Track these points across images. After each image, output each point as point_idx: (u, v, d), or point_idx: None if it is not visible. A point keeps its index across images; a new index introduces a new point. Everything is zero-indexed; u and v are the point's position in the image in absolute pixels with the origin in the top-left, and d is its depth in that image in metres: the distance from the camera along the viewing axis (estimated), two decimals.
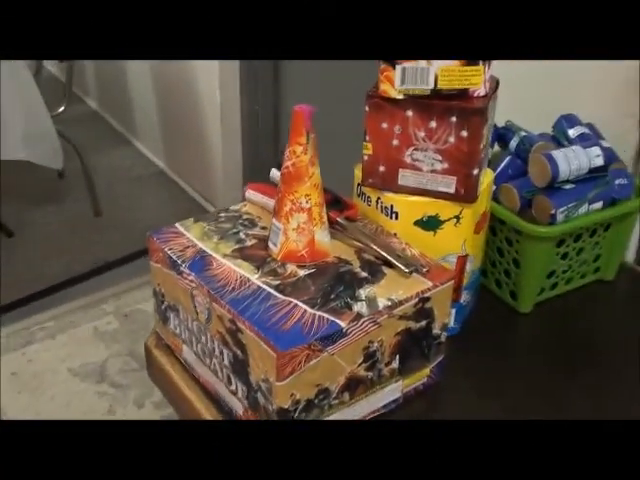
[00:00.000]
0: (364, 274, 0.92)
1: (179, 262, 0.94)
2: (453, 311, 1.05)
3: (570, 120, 1.20)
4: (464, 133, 0.92)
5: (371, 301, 0.87)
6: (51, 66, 3.65)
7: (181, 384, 1.01)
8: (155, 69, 2.79)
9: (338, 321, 0.84)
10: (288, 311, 0.86)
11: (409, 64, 0.91)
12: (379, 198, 1.00)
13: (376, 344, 0.88)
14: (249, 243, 0.97)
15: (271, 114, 2.47)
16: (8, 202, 2.72)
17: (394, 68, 0.91)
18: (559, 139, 1.18)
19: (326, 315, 0.85)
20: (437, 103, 0.92)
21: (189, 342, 0.98)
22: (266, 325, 0.83)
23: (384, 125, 0.95)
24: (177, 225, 1.01)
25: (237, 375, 0.89)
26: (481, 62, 0.91)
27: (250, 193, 1.05)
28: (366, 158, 0.98)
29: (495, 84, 0.98)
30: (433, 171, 0.96)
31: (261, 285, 0.90)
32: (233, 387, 0.90)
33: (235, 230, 1.00)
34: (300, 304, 0.87)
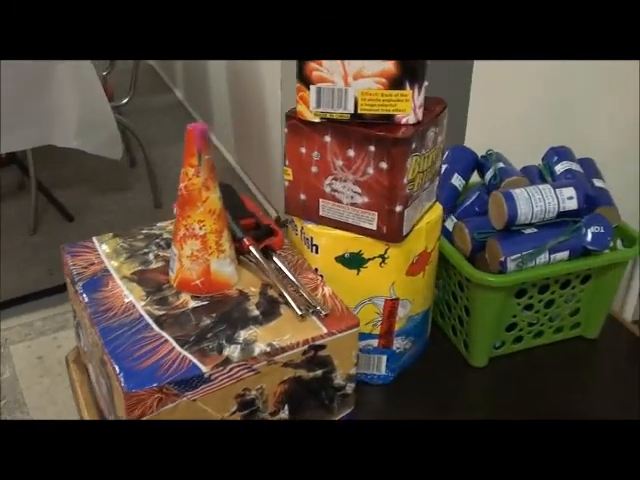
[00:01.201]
0: (256, 313, 0.83)
1: (76, 280, 0.89)
2: (384, 358, 0.95)
3: (560, 153, 1.06)
4: (383, 165, 0.82)
5: (247, 345, 0.79)
6: None
7: (81, 404, 0.96)
8: (230, 65, 2.76)
9: (200, 365, 0.76)
10: (155, 347, 0.79)
11: (324, 85, 0.81)
12: (302, 228, 0.91)
13: (254, 392, 0.80)
14: (154, 265, 0.91)
15: None
16: (75, 187, 2.78)
17: (308, 88, 0.82)
18: (543, 174, 1.05)
19: (190, 357, 0.77)
20: (355, 130, 0.82)
21: (90, 361, 0.93)
22: (125, 360, 0.77)
23: (302, 150, 0.86)
24: (94, 239, 0.96)
25: (108, 406, 0.83)
26: (408, 86, 0.80)
27: None
28: (287, 184, 0.90)
29: (441, 108, 0.87)
30: (354, 204, 0.86)
31: (143, 314, 0.83)
32: (111, 417, 0.84)
33: (146, 250, 0.93)
34: (171, 340, 0.79)
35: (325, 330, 0.81)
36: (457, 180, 1.04)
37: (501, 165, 1.03)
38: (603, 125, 1.23)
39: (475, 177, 1.11)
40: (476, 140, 1.41)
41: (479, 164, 1.08)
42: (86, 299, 0.86)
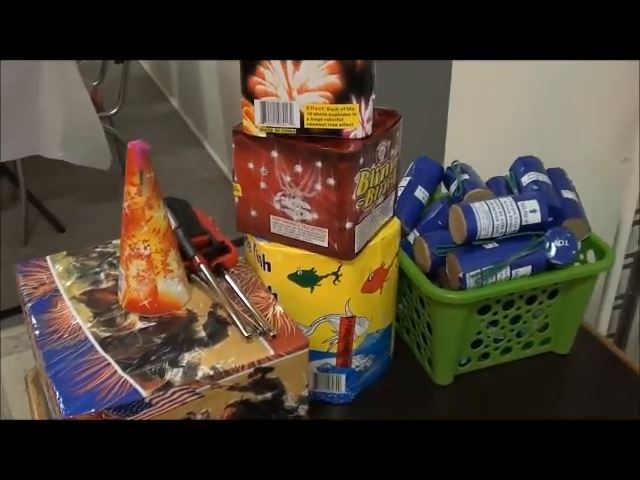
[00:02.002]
0: (203, 334, 0.81)
1: (26, 300, 0.87)
2: (343, 377, 0.93)
3: (528, 164, 1.04)
4: (331, 181, 0.80)
5: (190, 369, 0.77)
6: (144, 63, 3.72)
7: None
8: (224, 74, 2.75)
9: (140, 389, 0.74)
10: (97, 370, 0.77)
11: (269, 99, 0.79)
12: (255, 245, 0.89)
13: (200, 416, 0.78)
14: (105, 285, 0.89)
15: None
16: (66, 197, 2.77)
17: (252, 103, 0.80)
18: (510, 185, 1.02)
19: (131, 381, 0.75)
20: (301, 145, 0.80)
21: (43, 383, 0.91)
22: (66, 384, 0.75)
23: (250, 165, 0.84)
24: (47, 258, 0.95)
25: None
26: (355, 100, 0.78)
27: None
28: (237, 200, 0.87)
29: (394, 121, 0.85)
30: (304, 221, 0.84)
31: (89, 336, 0.82)
32: None
33: (98, 269, 0.92)
34: (113, 364, 0.78)
35: (272, 352, 0.79)
36: (420, 193, 1.02)
37: (465, 177, 1.01)
38: (581, 133, 1.20)
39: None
40: (454, 150, 1.39)
41: (445, 176, 1.05)
42: (34, 320, 0.84)
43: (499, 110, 1.33)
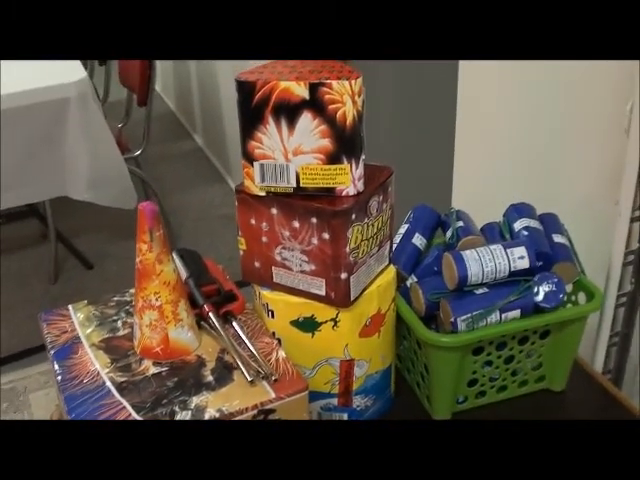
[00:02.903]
0: (210, 378, 0.88)
1: (49, 347, 0.94)
2: (345, 416, 0.99)
3: (520, 210, 1.09)
4: (326, 235, 0.86)
5: (198, 411, 0.83)
6: (169, 101, 3.82)
7: None
8: None
9: None
10: (114, 413, 0.83)
11: (267, 161, 0.86)
12: (259, 294, 0.96)
13: None
14: (122, 332, 0.96)
15: None
16: (94, 234, 2.86)
17: (252, 165, 0.87)
18: (503, 231, 1.08)
19: None
20: (298, 203, 0.87)
21: None
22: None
23: (252, 221, 0.91)
24: (69, 307, 1.02)
25: None
26: (346, 161, 0.85)
27: None
28: (242, 253, 0.94)
29: (386, 177, 0.92)
30: (302, 272, 0.90)
31: (106, 381, 0.88)
32: None
33: (115, 317, 0.99)
34: (128, 407, 0.84)
35: (274, 395, 0.85)
36: (418, 239, 1.08)
37: (460, 224, 1.07)
38: (574, 178, 1.26)
39: None
40: (460, 196, 1.46)
41: (442, 222, 1.11)
42: (56, 367, 0.91)
43: (499, 158, 1.39)
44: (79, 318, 0.99)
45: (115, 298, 1.03)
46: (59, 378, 0.89)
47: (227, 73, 2.93)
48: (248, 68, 0.85)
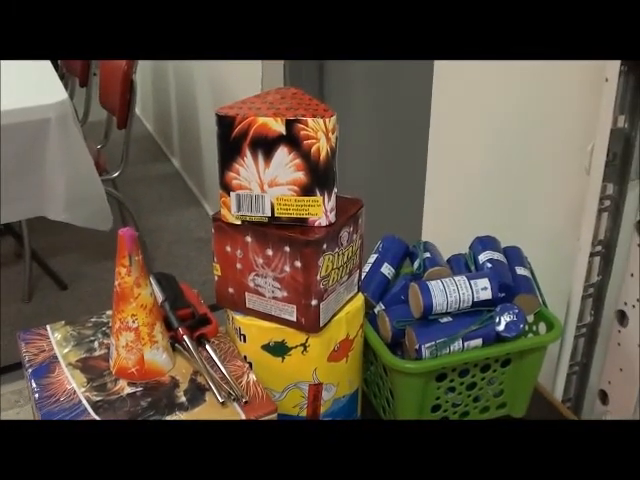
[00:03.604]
0: (183, 399, 0.91)
1: (27, 366, 0.97)
2: None
3: (485, 243, 1.14)
4: (298, 264, 0.91)
5: None
6: (148, 123, 3.86)
7: None
8: None
9: None
10: None
11: (243, 192, 0.91)
12: (232, 318, 0.99)
13: None
14: (98, 353, 0.99)
15: None
16: (69, 254, 2.88)
17: (229, 195, 0.91)
18: (468, 263, 1.13)
19: None
20: (272, 232, 0.91)
21: None
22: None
23: (228, 248, 0.95)
24: (47, 327, 1.04)
25: None
26: (319, 193, 0.89)
27: None
28: (216, 279, 0.98)
29: (356, 209, 0.96)
30: (275, 298, 0.94)
31: (82, 400, 0.91)
32: None
33: (92, 338, 1.02)
34: None
35: (244, 416, 0.88)
36: (386, 269, 1.12)
37: (427, 255, 1.11)
38: (538, 213, 1.31)
39: None
40: (432, 227, 1.51)
41: (410, 253, 1.16)
42: (34, 385, 0.94)
43: (468, 193, 1.45)
44: (57, 338, 1.02)
45: (92, 319, 1.06)
46: (36, 396, 0.92)
47: (206, 98, 2.98)
48: (227, 104, 0.89)
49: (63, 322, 1.05)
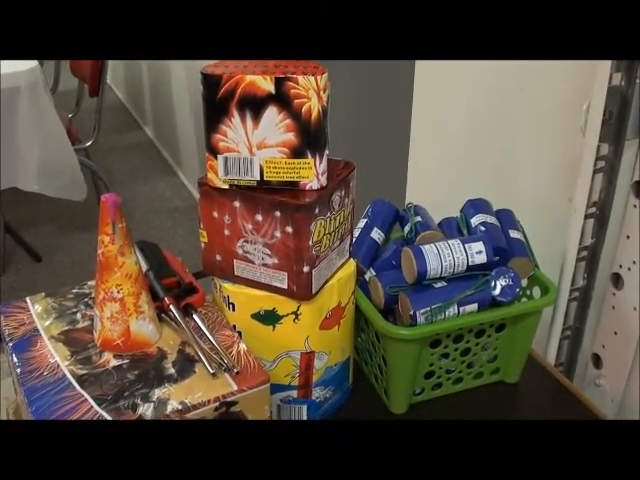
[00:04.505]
0: (172, 371, 0.88)
1: (7, 340, 0.93)
2: (304, 407, 1.00)
3: (477, 206, 1.11)
4: (289, 229, 0.87)
5: (160, 403, 0.83)
6: (119, 92, 3.78)
7: None
8: (194, 102, 2.82)
9: None
10: (75, 406, 0.83)
11: (231, 154, 0.87)
12: (220, 287, 0.96)
13: None
14: (81, 325, 0.95)
15: None
16: (43, 226, 2.82)
17: (216, 158, 0.87)
18: (460, 226, 1.10)
19: (106, 415, 0.81)
20: (261, 196, 0.87)
21: (23, 416, 0.97)
22: (45, 419, 0.81)
23: (215, 214, 0.91)
24: (27, 299, 1.01)
25: None
26: (310, 155, 0.86)
27: None
28: (203, 246, 0.94)
29: (348, 172, 0.92)
30: (265, 265, 0.91)
31: (67, 373, 0.88)
32: None
33: (75, 310, 0.98)
34: (89, 400, 0.84)
35: (236, 387, 0.85)
36: (376, 234, 1.09)
37: (418, 219, 1.08)
38: (530, 176, 1.29)
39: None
40: (415, 191, 1.48)
41: (400, 217, 1.13)
42: (15, 359, 0.90)
43: (455, 154, 1.42)
44: (37, 310, 0.98)
45: (74, 290, 1.02)
46: (18, 370, 0.88)
47: (179, 63, 2.91)
48: (213, 62, 0.85)
49: (43, 294, 1.01)
